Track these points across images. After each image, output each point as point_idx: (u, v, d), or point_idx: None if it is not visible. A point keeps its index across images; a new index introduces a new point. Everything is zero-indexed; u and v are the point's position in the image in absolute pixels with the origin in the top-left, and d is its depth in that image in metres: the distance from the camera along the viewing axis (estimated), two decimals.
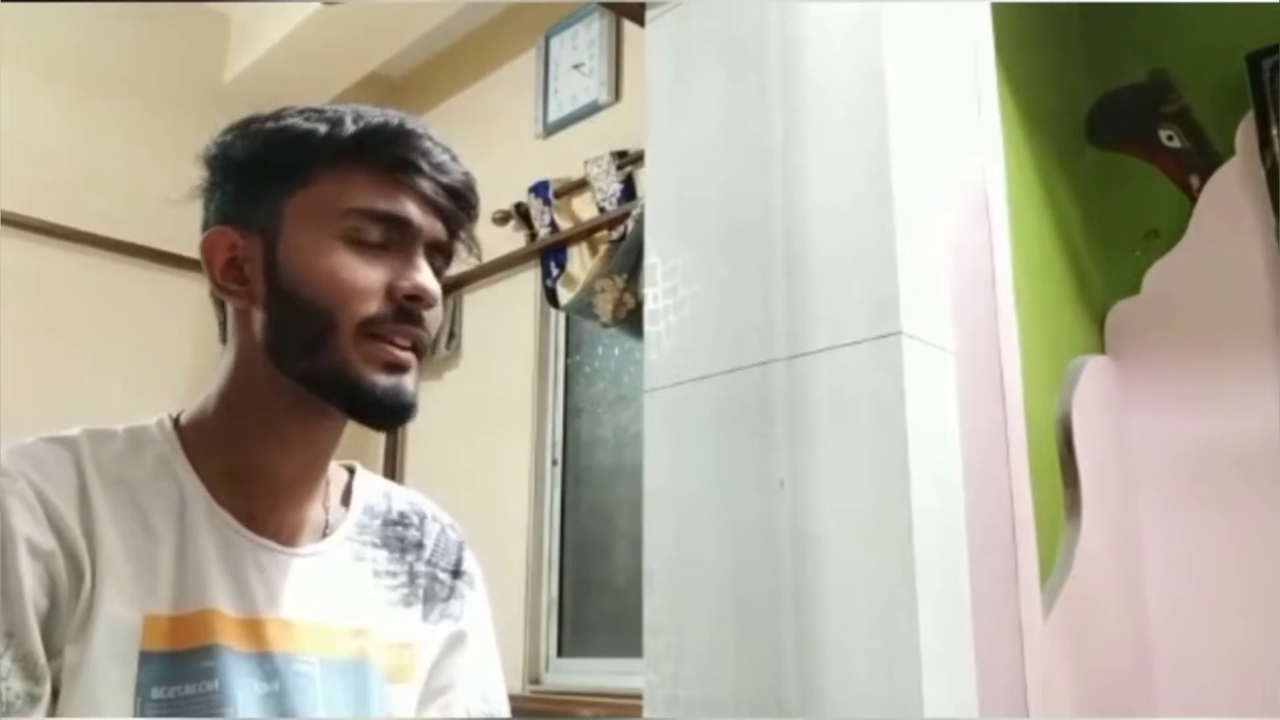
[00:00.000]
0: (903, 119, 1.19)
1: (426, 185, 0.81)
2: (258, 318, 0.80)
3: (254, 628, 0.78)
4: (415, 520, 0.94)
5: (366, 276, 0.79)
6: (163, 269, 3.03)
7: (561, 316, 2.89)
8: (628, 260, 2.48)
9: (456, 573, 0.94)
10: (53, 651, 0.71)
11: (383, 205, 0.80)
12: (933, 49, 1.28)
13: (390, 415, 0.80)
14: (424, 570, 0.92)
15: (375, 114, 0.82)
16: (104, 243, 2.93)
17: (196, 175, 0.84)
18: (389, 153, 0.80)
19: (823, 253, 1.19)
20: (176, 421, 0.84)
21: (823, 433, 1.13)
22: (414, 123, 0.83)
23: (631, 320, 2.50)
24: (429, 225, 0.82)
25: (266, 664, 0.77)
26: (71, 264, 2.89)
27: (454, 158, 0.84)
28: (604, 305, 2.54)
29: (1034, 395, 1.40)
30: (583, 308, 2.61)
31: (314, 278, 0.78)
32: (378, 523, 0.91)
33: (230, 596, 0.77)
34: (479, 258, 0.89)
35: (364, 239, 0.79)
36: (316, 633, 0.81)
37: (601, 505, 2.73)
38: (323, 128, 0.80)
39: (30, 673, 0.70)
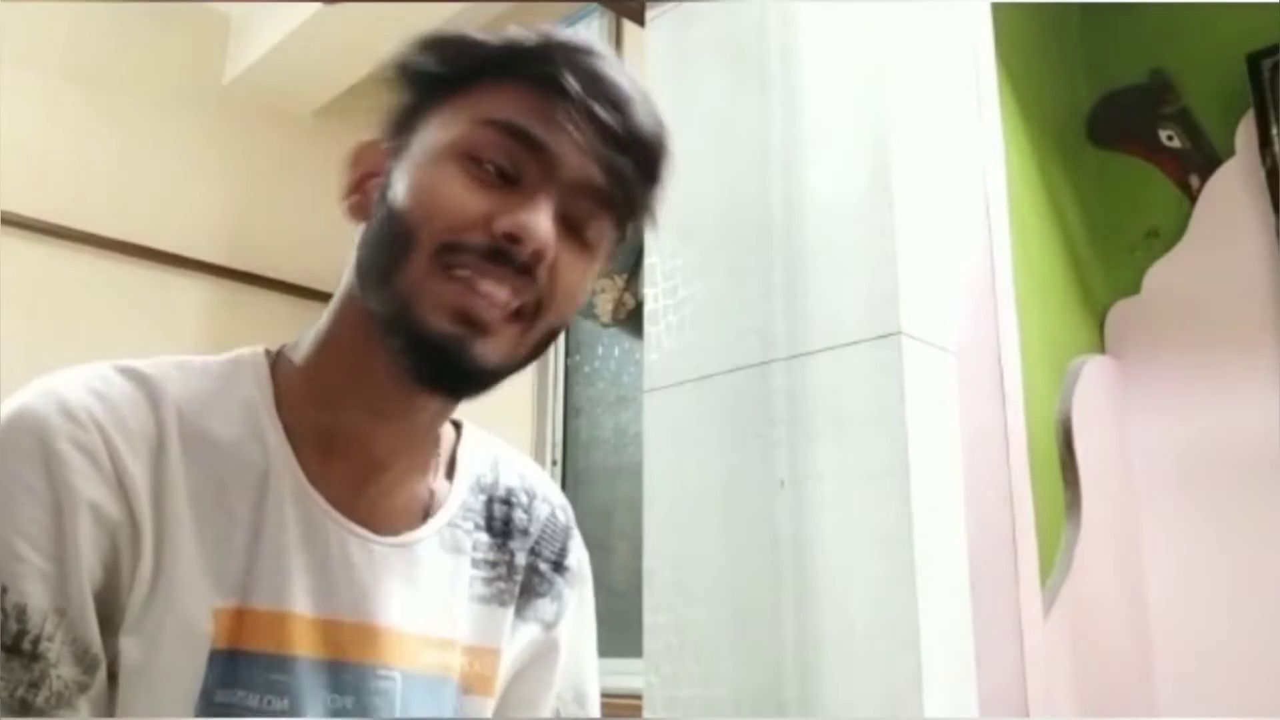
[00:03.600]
0: (903, 119, 1.19)
1: (580, 116, 0.64)
2: (359, 234, 0.69)
3: (333, 631, 0.67)
4: (524, 500, 0.81)
5: (466, 200, 0.64)
6: (163, 269, 3.03)
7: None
8: (628, 260, 2.48)
9: (559, 565, 0.83)
10: (106, 633, 0.62)
11: (515, 118, 0.65)
12: (933, 49, 1.28)
13: (443, 372, 0.65)
14: (525, 562, 0.80)
15: (545, 28, 0.68)
16: (104, 243, 2.93)
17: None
18: (539, 67, 0.65)
19: (823, 253, 1.19)
20: (277, 357, 0.72)
21: (823, 433, 1.13)
22: (590, 43, 0.67)
23: (631, 320, 2.50)
24: (575, 167, 0.65)
25: (343, 674, 0.67)
26: (71, 264, 2.89)
27: (641, 95, 0.67)
28: (604, 305, 2.54)
29: (1034, 395, 1.40)
30: (583, 308, 2.61)
31: (411, 188, 0.65)
32: (483, 499, 0.79)
33: (309, 593, 0.66)
34: (653, 226, 0.70)
35: (485, 164, 0.65)
36: (402, 640, 0.70)
37: (601, 505, 2.73)
38: (492, 39, 0.68)
39: (81, 658, 0.60)
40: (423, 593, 0.72)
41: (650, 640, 1.22)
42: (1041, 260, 1.64)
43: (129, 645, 0.62)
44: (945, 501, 1.11)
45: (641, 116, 0.67)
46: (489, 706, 0.76)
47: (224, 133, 3.20)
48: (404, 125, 0.70)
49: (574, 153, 0.65)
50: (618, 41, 2.87)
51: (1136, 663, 1.59)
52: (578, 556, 0.86)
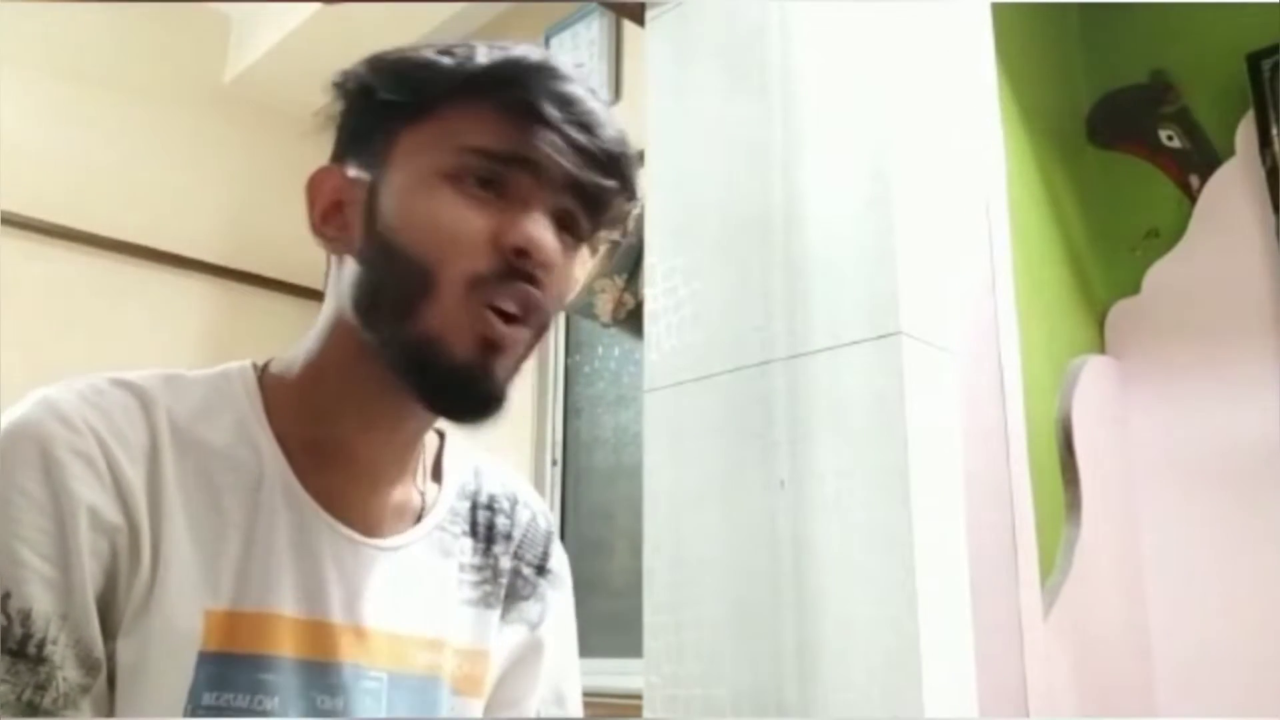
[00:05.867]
0: (902, 119, 1.19)
1: (557, 138, 0.67)
2: (352, 270, 0.70)
3: (322, 633, 0.69)
4: (506, 506, 0.84)
5: (470, 224, 0.66)
6: (163, 269, 3.03)
7: (561, 316, 2.89)
8: (628, 260, 2.47)
9: (541, 569, 0.85)
10: (105, 636, 0.63)
11: (498, 145, 0.67)
12: (933, 49, 1.28)
13: (462, 400, 0.68)
14: (509, 566, 0.82)
15: (516, 49, 0.69)
16: (104, 243, 2.93)
17: (331, 104, 0.74)
18: (516, 91, 0.67)
19: (823, 253, 1.19)
20: (264, 371, 0.74)
21: (823, 433, 1.13)
22: (560, 63, 0.70)
23: (631, 320, 2.49)
24: (556, 184, 0.68)
25: (332, 676, 0.68)
26: (72, 264, 2.89)
27: (607, 114, 0.70)
28: (604, 305, 2.53)
29: (1034, 395, 1.40)
30: (583, 308, 2.60)
31: (411, 222, 0.67)
32: (467, 505, 0.81)
33: (299, 596, 0.68)
34: (623, 236, 0.77)
35: (473, 182, 0.67)
36: (390, 642, 0.72)
37: (601, 505, 2.73)
38: (448, 60, 0.69)
39: (84, 660, 0.62)
40: (412, 594, 0.74)
41: (650, 640, 1.22)
42: (1041, 260, 1.64)
43: (124, 647, 0.63)
44: (945, 501, 1.11)
45: (610, 133, 0.70)
46: (478, 708, 0.78)
47: (224, 133, 3.20)
48: (368, 152, 0.70)
49: (554, 169, 0.68)
50: (618, 41, 2.87)
51: (1136, 663, 1.59)
52: (559, 560, 0.87)
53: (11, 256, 2.72)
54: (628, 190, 0.72)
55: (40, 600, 0.61)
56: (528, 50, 0.70)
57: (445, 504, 0.79)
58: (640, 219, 2.37)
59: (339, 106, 0.73)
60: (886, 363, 1.10)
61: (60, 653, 0.61)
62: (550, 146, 0.67)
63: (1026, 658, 1.19)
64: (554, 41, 3.03)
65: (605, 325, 2.60)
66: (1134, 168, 1.79)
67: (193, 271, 3.09)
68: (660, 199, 1.37)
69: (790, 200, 1.23)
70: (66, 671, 0.61)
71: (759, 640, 1.13)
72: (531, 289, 0.67)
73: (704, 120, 1.34)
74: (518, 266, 0.66)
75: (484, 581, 0.80)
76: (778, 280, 1.21)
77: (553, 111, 0.67)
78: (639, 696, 1.23)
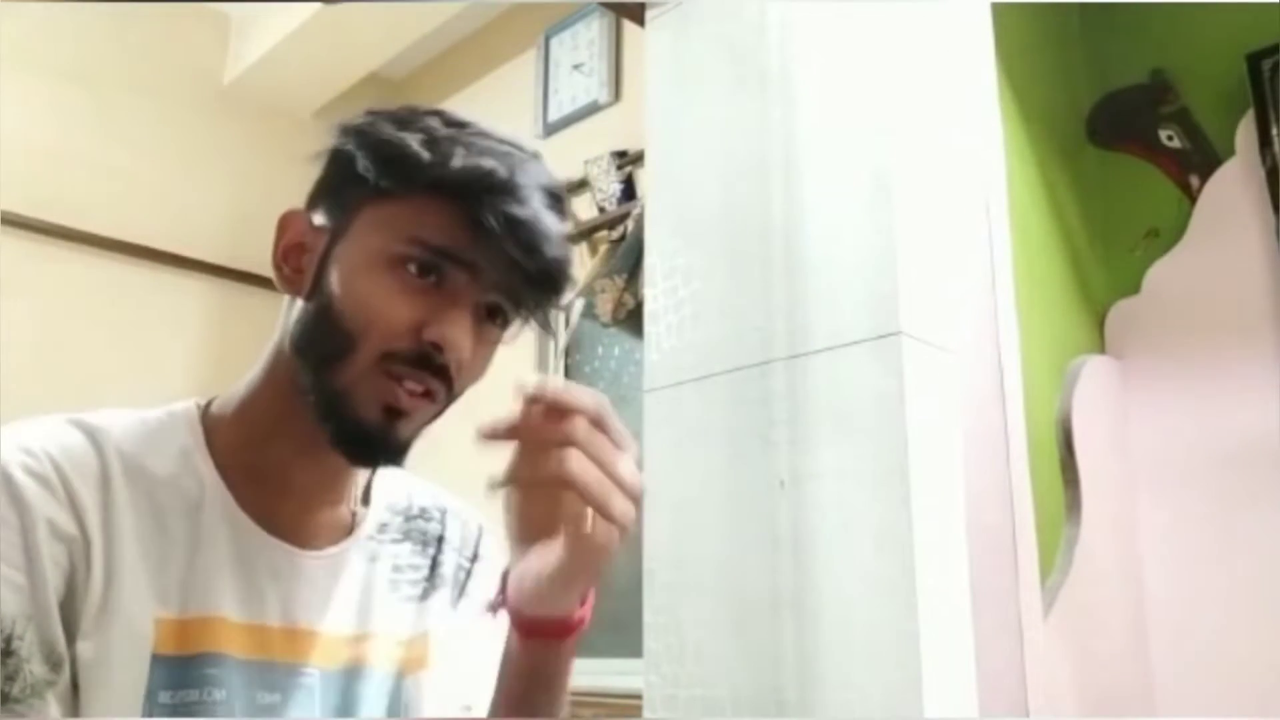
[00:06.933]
0: (902, 119, 1.19)
1: (498, 254, 0.74)
2: (298, 311, 0.78)
3: (260, 635, 0.77)
4: (437, 515, 0.93)
5: (398, 310, 0.74)
6: (163, 269, 3.03)
7: (561, 316, 2.88)
8: (628, 260, 2.48)
9: (475, 557, 0.94)
10: (66, 639, 0.70)
11: (442, 242, 0.74)
12: (933, 49, 1.28)
13: (366, 451, 0.77)
14: (447, 559, 0.91)
15: (489, 160, 0.75)
16: (105, 243, 2.93)
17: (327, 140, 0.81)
18: (478, 203, 0.74)
19: (823, 253, 1.19)
20: (206, 409, 0.83)
21: (823, 433, 1.13)
22: (528, 179, 0.76)
23: (631, 320, 2.49)
24: (489, 285, 0.76)
25: (270, 673, 0.77)
26: (73, 264, 2.89)
27: (554, 235, 0.77)
28: (604, 305, 2.53)
29: (1034, 395, 1.40)
30: (583, 308, 2.61)
31: (349, 292, 0.75)
32: (399, 519, 0.90)
33: (238, 602, 0.77)
34: (555, 340, 0.84)
35: (414, 269, 0.74)
36: (322, 640, 0.80)
37: None
38: (426, 155, 0.75)
39: (49, 657, 0.69)
40: (343, 596, 0.83)
41: (650, 640, 1.22)
42: (1041, 260, 1.64)
43: (84, 649, 0.71)
44: (945, 501, 1.11)
45: (551, 253, 0.76)
46: (427, 679, 0.86)
47: (224, 133, 3.20)
48: (336, 210, 0.78)
49: (489, 275, 0.75)
50: (618, 41, 2.87)
51: (1136, 663, 1.59)
52: (488, 549, 0.95)
53: (12, 256, 2.72)
54: (559, 298, 0.80)
55: (9, 603, 0.68)
56: (498, 165, 0.75)
57: (374, 519, 0.88)
58: (640, 219, 2.37)
59: (327, 152, 0.80)
60: (886, 363, 1.10)
61: (27, 648, 0.68)
62: (487, 260, 0.74)
63: (1026, 658, 1.19)
64: (554, 41, 3.03)
65: (605, 325, 2.60)
66: (1134, 168, 1.79)
67: (193, 271, 3.09)
68: (660, 199, 1.37)
69: (790, 200, 1.23)
70: (33, 665, 0.68)
71: (759, 640, 1.13)
72: (438, 380, 0.75)
73: (704, 120, 1.34)
74: (431, 357, 0.74)
75: (421, 580, 0.89)
76: (778, 280, 1.21)
77: (499, 229, 0.74)
78: (639, 696, 1.23)
